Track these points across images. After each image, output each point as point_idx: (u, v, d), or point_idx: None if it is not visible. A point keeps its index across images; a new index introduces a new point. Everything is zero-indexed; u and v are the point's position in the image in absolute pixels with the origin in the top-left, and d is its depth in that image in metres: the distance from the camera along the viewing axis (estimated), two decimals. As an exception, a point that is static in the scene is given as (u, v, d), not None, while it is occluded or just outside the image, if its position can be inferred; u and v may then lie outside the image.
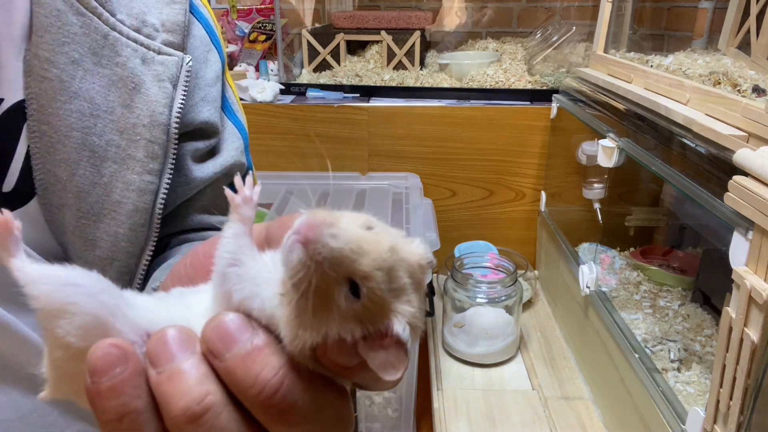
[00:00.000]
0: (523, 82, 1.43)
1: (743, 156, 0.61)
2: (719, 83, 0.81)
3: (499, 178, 1.41)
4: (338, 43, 1.52)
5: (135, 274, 0.44)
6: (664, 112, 0.81)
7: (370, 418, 1.10)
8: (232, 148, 0.52)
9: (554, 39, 1.47)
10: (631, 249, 1.26)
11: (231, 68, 1.50)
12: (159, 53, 0.43)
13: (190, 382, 0.23)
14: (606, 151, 0.94)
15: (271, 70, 1.51)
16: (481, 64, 1.49)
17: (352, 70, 1.51)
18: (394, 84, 1.46)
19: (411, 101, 1.40)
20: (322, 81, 1.50)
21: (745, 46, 1.00)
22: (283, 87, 1.44)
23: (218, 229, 0.28)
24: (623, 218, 1.29)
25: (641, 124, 0.88)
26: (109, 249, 0.42)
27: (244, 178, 0.28)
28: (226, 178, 0.51)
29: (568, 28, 1.48)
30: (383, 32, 1.49)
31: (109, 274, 0.39)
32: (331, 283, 0.23)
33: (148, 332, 0.25)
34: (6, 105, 0.38)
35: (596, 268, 1.02)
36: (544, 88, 1.41)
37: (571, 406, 1.03)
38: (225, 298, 0.26)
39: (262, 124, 1.38)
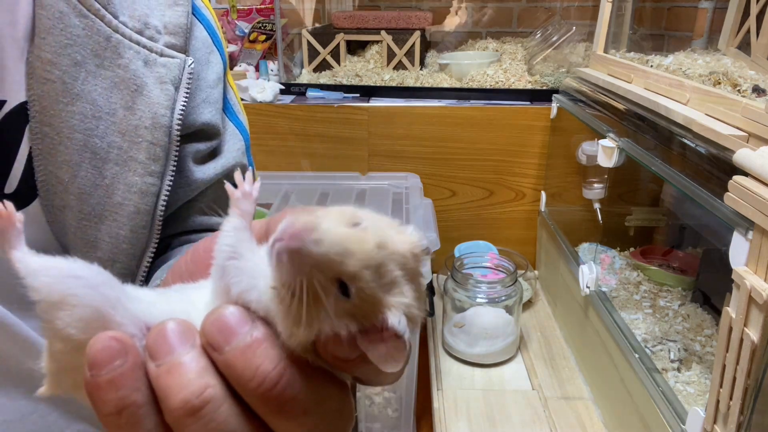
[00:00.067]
0: (523, 82, 1.43)
1: (743, 156, 0.61)
2: (719, 83, 0.81)
3: (499, 178, 1.41)
4: (338, 43, 1.52)
5: (136, 275, 0.44)
6: (664, 112, 0.81)
7: (370, 418, 1.11)
8: (233, 149, 0.52)
9: (554, 39, 1.47)
10: (631, 249, 1.26)
11: (231, 68, 1.50)
12: (161, 55, 0.43)
13: (189, 375, 0.23)
14: (606, 151, 0.94)
15: (271, 70, 1.51)
16: (481, 64, 1.49)
17: (352, 70, 1.51)
18: (394, 84, 1.46)
19: (411, 101, 1.40)
20: (322, 81, 1.50)
21: (745, 46, 1.00)
22: (283, 87, 1.44)
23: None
24: (623, 218, 1.29)
25: (641, 124, 0.88)
26: (111, 250, 0.42)
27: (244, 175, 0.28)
28: (227, 179, 0.51)
29: (568, 28, 1.48)
30: (383, 32, 1.49)
31: None
32: (320, 285, 0.23)
33: (148, 325, 0.25)
34: (9, 107, 0.38)
35: (596, 268, 1.02)
36: (544, 88, 1.41)
37: (571, 406, 1.03)
38: (224, 292, 0.26)
39: (262, 124, 1.38)
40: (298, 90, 1.45)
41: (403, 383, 1.07)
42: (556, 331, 1.25)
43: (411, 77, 1.48)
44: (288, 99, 1.42)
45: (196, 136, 0.48)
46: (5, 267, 0.36)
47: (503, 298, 1.13)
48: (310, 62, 1.54)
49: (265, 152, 1.39)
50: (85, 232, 0.41)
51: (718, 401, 0.63)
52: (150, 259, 0.45)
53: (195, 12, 0.48)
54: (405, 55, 1.50)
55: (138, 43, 0.42)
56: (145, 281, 0.45)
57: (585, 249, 1.25)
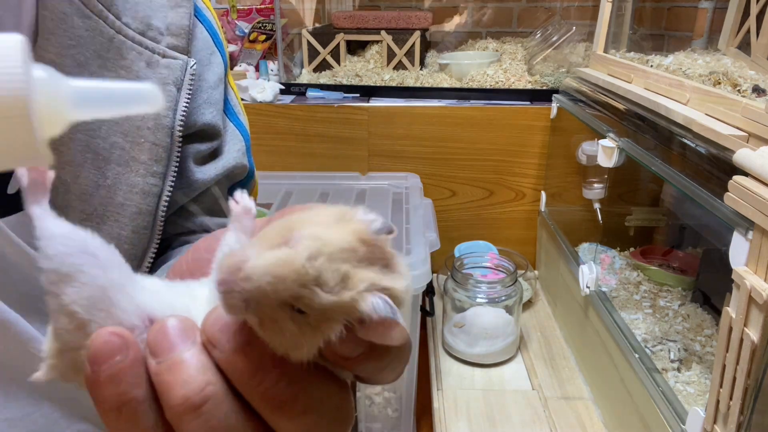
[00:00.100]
0: (523, 82, 1.43)
1: (743, 156, 0.62)
2: (719, 83, 0.81)
3: (499, 178, 1.41)
4: (338, 43, 1.52)
5: (137, 275, 0.44)
6: (664, 112, 0.81)
7: (370, 418, 1.11)
8: (233, 150, 0.52)
9: (554, 39, 1.48)
10: (631, 249, 1.26)
11: (231, 68, 1.50)
12: (164, 57, 0.43)
13: (190, 372, 0.23)
14: (606, 151, 0.94)
15: (271, 70, 1.51)
16: (481, 64, 1.49)
17: (352, 70, 1.51)
18: (394, 84, 1.46)
19: (411, 101, 1.40)
20: (322, 81, 1.50)
21: (745, 46, 1.00)
22: (283, 87, 1.44)
23: None
24: (623, 218, 1.29)
25: (641, 124, 0.88)
26: (112, 251, 0.42)
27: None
28: (227, 179, 0.51)
29: (568, 28, 1.48)
30: (383, 32, 1.49)
31: None
32: (273, 315, 0.22)
33: (151, 316, 0.25)
34: None
35: (596, 268, 1.02)
36: (544, 88, 1.41)
37: (571, 406, 1.03)
38: None
39: (262, 124, 1.38)
40: (298, 90, 1.46)
41: (403, 383, 1.07)
42: (556, 331, 1.25)
43: (411, 77, 1.48)
44: (288, 99, 1.42)
45: (197, 137, 0.48)
46: (7, 266, 0.36)
47: (503, 298, 1.13)
48: (310, 62, 1.54)
49: (265, 152, 1.40)
50: (86, 232, 0.41)
51: (718, 401, 0.63)
52: (151, 260, 0.45)
53: (196, 13, 0.49)
54: (405, 55, 1.50)
55: (141, 45, 0.42)
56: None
57: (585, 249, 1.25)
